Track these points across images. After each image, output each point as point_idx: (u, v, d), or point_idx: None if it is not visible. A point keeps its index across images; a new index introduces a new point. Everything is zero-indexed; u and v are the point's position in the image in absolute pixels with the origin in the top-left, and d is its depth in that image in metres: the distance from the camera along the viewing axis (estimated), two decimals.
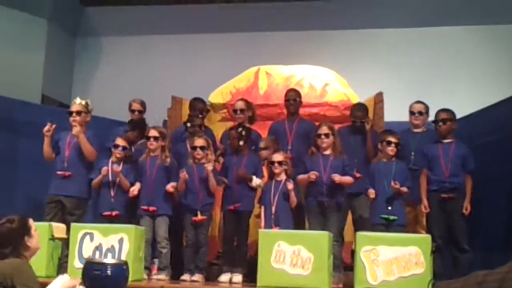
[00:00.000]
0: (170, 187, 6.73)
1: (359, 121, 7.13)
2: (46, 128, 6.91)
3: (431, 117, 7.13)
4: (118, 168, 6.81)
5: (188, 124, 7.43)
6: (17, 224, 4.05)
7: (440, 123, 6.88)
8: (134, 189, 6.79)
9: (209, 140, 6.94)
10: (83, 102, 7.16)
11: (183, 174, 6.64)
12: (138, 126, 7.50)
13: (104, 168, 6.83)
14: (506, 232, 6.82)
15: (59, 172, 6.96)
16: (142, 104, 7.67)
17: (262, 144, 7.10)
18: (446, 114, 6.90)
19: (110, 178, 6.83)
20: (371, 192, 6.49)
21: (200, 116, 7.54)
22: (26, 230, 4.09)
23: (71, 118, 7.05)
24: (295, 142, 7.19)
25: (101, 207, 6.87)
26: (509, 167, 6.93)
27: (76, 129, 6.92)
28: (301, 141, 7.16)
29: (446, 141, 6.88)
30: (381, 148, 6.68)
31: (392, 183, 6.41)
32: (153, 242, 6.76)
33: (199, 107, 7.67)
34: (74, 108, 7.12)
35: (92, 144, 7.04)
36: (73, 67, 11.63)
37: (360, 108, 7.36)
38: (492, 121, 7.41)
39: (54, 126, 6.93)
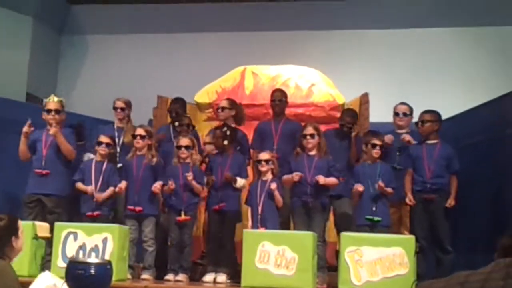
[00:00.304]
0: (155, 188, 6.70)
1: (346, 126, 7.15)
2: (25, 129, 6.85)
3: (416, 118, 7.15)
4: (100, 197, 6.75)
5: (176, 123, 7.43)
6: (6, 223, 4.02)
7: (420, 124, 6.93)
8: (121, 186, 6.75)
9: (194, 139, 6.93)
10: (56, 100, 7.07)
11: (171, 183, 6.61)
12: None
13: (89, 188, 6.77)
14: (489, 233, 6.85)
15: (37, 170, 6.88)
16: (126, 102, 7.61)
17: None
18: (428, 115, 6.93)
19: (93, 178, 6.78)
20: (359, 186, 6.47)
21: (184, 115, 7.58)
22: (14, 231, 4.06)
23: (49, 116, 6.98)
24: (281, 142, 7.19)
25: (84, 207, 6.82)
26: (494, 168, 6.97)
27: (54, 129, 6.83)
28: (286, 141, 7.16)
29: (430, 142, 6.91)
30: (366, 150, 6.69)
31: (379, 183, 6.42)
32: (139, 242, 6.74)
33: (175, 107, 7.70)
34: (52, 106, 7.01)
35: (69, 142, 6.98)
36: (58, 65, 11.55)
37: (350, 114, 7.38)
38: (479, 122, 7.45)
39: (32, 128, 6.86)
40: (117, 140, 7.33)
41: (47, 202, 6.84)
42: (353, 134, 7.08)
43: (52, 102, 7.04)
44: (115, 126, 7.54)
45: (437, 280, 1.53)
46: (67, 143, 6.94)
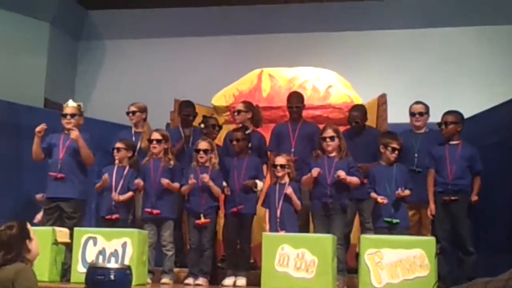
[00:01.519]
0: (166, 183, 6.68)
1: (354, 122, 7.12)
2: (38, 128, 6.87)
3: (437, 118, 7.08)
4: (117, 197, 6.74)
5: (202, 125, 7.44)
6: (17, 229, 4.10)
7: (443, 126, 6.85)
8: (139, 182, 6.74)
9: (212, 143, 6.93)
10: (75, 105, 7.10)
11: (192, 181, 6.61)
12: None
13: (106, 175, 6.78)
14: (511, 234, 6.80)
15: (52, 174, 6.88)
16: (139, 106, 7.57)
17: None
18: (450, 117, 6.86)
19: (113, 183, 6.79)
20: (383, 200, 6.42)
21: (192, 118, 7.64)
22: (26, 234, 4.13)
23: (65, 121, 6.99)
24: (298, 145, 7.16)
25: (103, 210, 6.84)
26: None
27: (75, 133, 6.83)
28: (304, 143, 7.13)
29: (452, 142, 6.84)
30: (383, 151, 6.65)
31: (398, 191, 6.38)
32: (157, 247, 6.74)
33: (187, 110, 7.69)
34: (68, 110, 7.03)
35: (89, 147, 6.99)
36: (75, 70, 11.63)
37: (356, 108, 7.38)
38: (497, 122, 7.40)
39: (46, 127, 6.88)
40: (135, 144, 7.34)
41: (65, 208, 6.85)
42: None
43: (68, 106, 7.07)
44: (133, 131, 7.55)
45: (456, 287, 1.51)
46: (88, 148, 6.94)
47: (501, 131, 7.23)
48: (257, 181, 6.73)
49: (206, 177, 6.60)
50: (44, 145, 6.97)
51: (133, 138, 7.41)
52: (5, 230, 4.11)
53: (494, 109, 7.66)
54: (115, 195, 6.70)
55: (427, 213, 6.80)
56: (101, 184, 6.79)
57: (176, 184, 6.72)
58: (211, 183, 6.62)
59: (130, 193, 6.78)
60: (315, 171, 6.41)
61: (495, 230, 7.06)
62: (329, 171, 6.48)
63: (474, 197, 6.65)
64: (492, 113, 7.64)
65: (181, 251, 7.25)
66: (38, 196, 7.49)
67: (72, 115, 6.99)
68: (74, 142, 6.86)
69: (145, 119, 7.60)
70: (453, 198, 6.61)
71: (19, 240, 4.07)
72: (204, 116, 7.66)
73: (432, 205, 6.72)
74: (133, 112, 7.53)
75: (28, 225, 4.23)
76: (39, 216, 7.61)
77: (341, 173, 6.35)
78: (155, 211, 6.67)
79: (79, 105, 7.11)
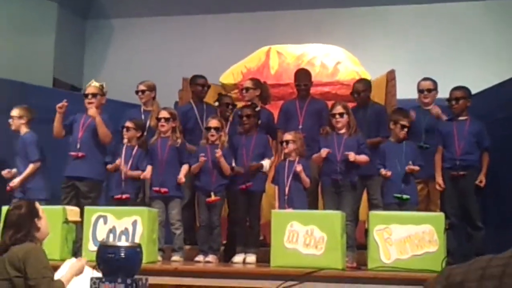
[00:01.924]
0: (181, 179, 6.72)
1: (356, 93, 7.11)
2: (59, 104, 6.90)
3: (445, 94, 7.05)
4: (129, 172, 6.79)
5: (216, 103, 7.44)
6: (25, 209, 4.16)
7: (453, 102, 6.82)
8: (146, 174, 6.79)
9: (222, 121, 6.93)
10: (98, 84, 7.14)
11: (202, 159, 6.63)
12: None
13: (118, 161, 6.81)
14: None
15: (72, 153, 6.95)
16: (147, 85, 7.55)
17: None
18: (459, 92, 6.83)
19: (123, 162, 6.82)
20: (387, 172, 6.46)
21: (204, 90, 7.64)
22: (34, 213, 4.17)
23: (87, 101, 7.03)
24: (306, 121, 7.15)
25: (112, 190, 6.89)
26: None
27: (92, 110, 6.88)
28: (312, 120, 7.13)
29: (460, 118, 6.82)
30: (393, 128, 6.64)
31: (409, 166, 6.39)
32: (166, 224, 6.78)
33: (200, 82, 7.67)
34: (89, 90, 7.09)
35: (108, 127, 7.03)
36: (84, 50, 11.63)
37: (358, 81, 7.38)
38: (505, 97, 7.36)
39: (67, 104, 6.92)
40: (144, 123, 7.36)
41: (81, 187, 6.90)
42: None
43: (90, 86, 7.13)
44: (142, 110, 7.57)
45: (458, 266, 1.52)
46: (105, 127, 6.97)
47: (509, 106, 7.20)
48: (263, 162, 6.74)
49: (219, 151, 6.62)
50: (66, 122, 7.03)
51: (142, 117, 7.42)
52: (14, 210, 4.17)
53: (502, 84, 7.62)
54: (123, 168, 6.73)
55: (435, 188, 6.80)
56: (113, 167, 6.83)
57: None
58: (222, 159, 6.63)
59: (139, 172, 6.81)
60: (324, 152, 6.42)
61: (504, 205, 7.06)
62: (338, 148, 6.49)
63: (482, 179, 6.64)
64: (500, 88, 7.60)
65: (192, 229, 7.29)
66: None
67: (94, 95, 7.03)
68: (94, 122, 6.90)
69: (154, 98, 7.60)
70: (461, 173, 6.61)
71: (28, 219, 4.12)
72: (219, 94, 7.66)
73: (439, 180, 6.72)
74: (143, 91, 7.53)
75: (37, 204, 4.29)
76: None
77: (351, 156, 6.36)
78: (163, 190, 6.70)
79: (101, 85, 7.16)
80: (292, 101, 7.43)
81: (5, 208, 5.46)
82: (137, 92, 7.55)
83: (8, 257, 3.92)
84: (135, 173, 6.80)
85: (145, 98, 7.53)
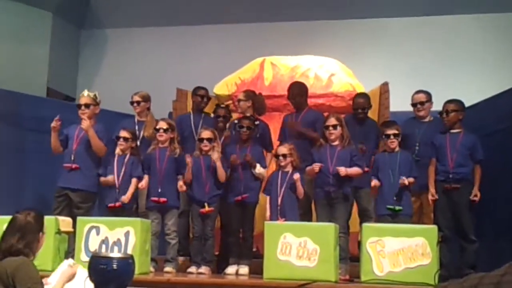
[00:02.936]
0: (182, 187, 6.72)
1: (361, 109, 7.13)
2: (53, 124, 6.90)
3: (440, 107, 7.07)
4: (126, 200, 6.75)
5: (212, 115, 7.45)
6: (35, 218, 4.10)
7: (444, 115, 6.85)
8: (142, 184, 6.79)
9: (215, 132, 6.93)
10: (91, 95, 7.14)
11: (188, 161, 6.63)
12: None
13: (112, 177, 6.80)
14: None
15: (66, 165, 6.96)
16: (142, 96, 7.54)
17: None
18: (452, 105, 6.86)
19: (115, 171, 6.80)
20: (375, 183, 6.49)
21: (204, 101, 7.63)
22: (42, 226, 4.14)
23: (80, 111, 7.04)
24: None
25: (106, 198, 6.87)
26: None
27: (85, 123, 6.89)
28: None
29: (454, 131, 6.84)
30: (382, 140, 6.69)
31: (402, 179, 6.40)
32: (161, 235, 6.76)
33: (200, 93, 7.67)
34: (82, 100, 7.10)
35: (101, 139, 7.01)
36: (78, 59, 11.61)
37: (361, 95, 7.40)
38: (500, 109, 7.37)
39: (59, 121, 6.92)
40: (137, 133, 7.36)
41: (74, 197, 6.90)
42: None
43: (82, 97, 7.14)
44: (136, 120, 7.56)
45: (450, 282, 1.51)
46: (98, 139, 6.97)
47: (505, 119, 7.21)
48: (258, 164, 6.73)
49: (215, 154, 6.61)
50: (61, 137, 7.05)
51: (136, 127, 7.41)
52: (24, 215, 4.10)
53: (498, 96, 7.64)
54: (123, 199, 6.71)
55: (428, 201, 6.81)
56: (105, 182, 6.82)
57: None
58: (219, 163, 6.62)
59: (134, 182, 6.80)
60: (316, 166, 6.43)
61: (498, 219, 7.06)
62: (331, 160, 6.50)
63: (477, 193, 6.63)
64: (496, 100, 7.62)
65: (185, 240, 7.28)
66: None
67: (87, 105, 7.04)
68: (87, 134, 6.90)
69: (148, 108, 7.60)
70: (454, 186, 6.62)
71: (34, 230, 4.07)
72: (216, 105, 7.67)
73: (432, 190, 6.72)
74: (138, 102, 7.52)
75: (45, 218, 4.24)
76: None
77: (342, 171, 6.38)
78: (161, 199, 6.69)
79: (94, 95, 7.16)
80: (290, 114, 7.43)
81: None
82: (132, 103, 7.54)
83: None
84: (131, 188, 6.78)
85: (140, 109, 7.52)
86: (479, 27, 10.44)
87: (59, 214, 6.63)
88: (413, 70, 10.18)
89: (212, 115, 7.55)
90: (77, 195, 6.92)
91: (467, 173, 6.69)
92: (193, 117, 7.59)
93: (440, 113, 6.90)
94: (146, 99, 7.56)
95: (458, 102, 6.89)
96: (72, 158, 6.98)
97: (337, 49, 10.02)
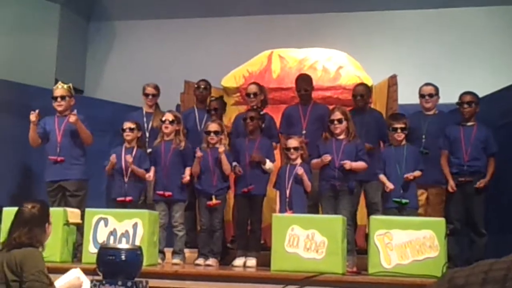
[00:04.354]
0: (186, 177, 6.72)
1: (359, 96, 7.11)
2: (32, 117, 6.86)
3: (447, 100, 7.05)
4: (130, 158, 6.78)
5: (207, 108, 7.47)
6: (40, 209, 4.13)
7: (466, 105, 6.81)
8: (150, 176, 6.80)
9: (222, 124, 6.93)
10: (66, 86, 7.12)
11: (199, 155, 6.63)
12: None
13: (113, 156, 6.81)
14: None
15: (51, 157, 6.96)
16: (156, 88, 7.62)
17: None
18: (471, 97, 6.84)
19: (123, 164, 6.82)
20: (388, 184, 6.44)
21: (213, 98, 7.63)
22: (47, 217, 4.16)
23: (56, 103, 7.03)
24: (309, 126, 7.15)
25: (114, 192, 6.88)
26: None
27: (73, 118, 6.84)
28: (315, 125, 7.12)
29: (468, 124, 6.83)
30: (389, 132, 6.67)
31: (407, 175, 6.38)
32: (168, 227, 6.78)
33: (200, 85, 7.70)
34: (58, 92, 7.08)
35: (86, 127, 7.03)
36: (86, 52, 11.60)
37: (360, 83, 7.39)
38: (510, 102, 7.34)
39: (39, 116, 6.90)
40: (146, 125, 7.37)
41: (69, 187, 6.93)
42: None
43: (57, 89, 7.11)
44: (144, 112, 7.56)
45: (460, 269, 1.51)
46: (86, 128, 6.98)
47: None
48: (267, 160, 6.74)
49: (221, 147, 6.62)
50: (39, 130, 7.01)
51: (144, 119, 7.42)
52: (29, 208, 4.13)
53: (508, 89, 7.61)
54: (129, 159, 6.72)
55: (435, 194, 6.80)
56: (109, 166, 6.82)
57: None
58: (223, 157, 6.63)
59: (143, 170, 6.81)
60: (325, 158, 6.42)
61: (506, 212, 7.04)
62: (337, 154, 6.49)
63: (483, 183, 6.61)
64: (506, 93, 7.59)
65: (192, 232, 7.29)
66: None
67: (62, 97, 7.02)
68: (71, 125, 6.89)
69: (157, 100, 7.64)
70: (468, 179, 6.61)
71: (40, 222, 4.09)
72: (209, 98, 7.68)
73: (451, 182, 6.69)
74: (154, 95, 7.54)
75: (50, 208, 4.27)
76: None
77: (347, 165, 6.37)
78: (166, 193, 6.71)
79: (69, 86, 7.15)
80: (295, 106, 7.42)
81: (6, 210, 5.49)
82: (147, 95, 7.54)
83: (7, 260, 3.89)
84: (140, 170, 6.80)
85: (154, 100, 7.55)
86: (488, 19, 10.37)
87: (57, 207, 6.59)
88: (421, 63, 10.14)
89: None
90: (72, 184, 6.95)
91: (481, 166, 6.69)
92: (197, 111, 7.60)
93: (459, 103, 6.86)
94: (159, 91, 7.60)
95: (475, 95, 6.88)
96: (58, 151, 6.97)
97: (345, 41, 9.98)
